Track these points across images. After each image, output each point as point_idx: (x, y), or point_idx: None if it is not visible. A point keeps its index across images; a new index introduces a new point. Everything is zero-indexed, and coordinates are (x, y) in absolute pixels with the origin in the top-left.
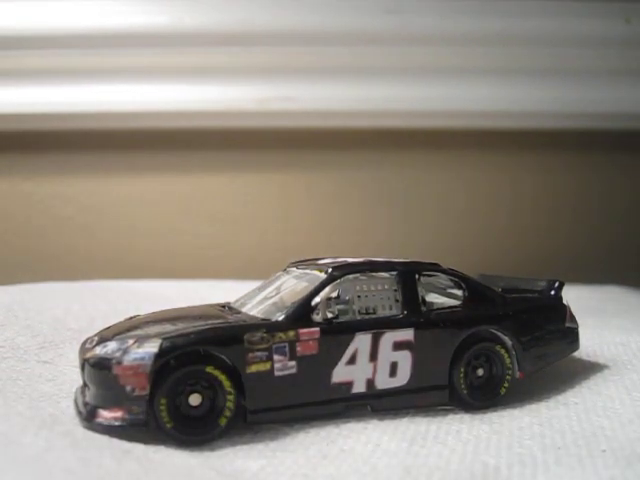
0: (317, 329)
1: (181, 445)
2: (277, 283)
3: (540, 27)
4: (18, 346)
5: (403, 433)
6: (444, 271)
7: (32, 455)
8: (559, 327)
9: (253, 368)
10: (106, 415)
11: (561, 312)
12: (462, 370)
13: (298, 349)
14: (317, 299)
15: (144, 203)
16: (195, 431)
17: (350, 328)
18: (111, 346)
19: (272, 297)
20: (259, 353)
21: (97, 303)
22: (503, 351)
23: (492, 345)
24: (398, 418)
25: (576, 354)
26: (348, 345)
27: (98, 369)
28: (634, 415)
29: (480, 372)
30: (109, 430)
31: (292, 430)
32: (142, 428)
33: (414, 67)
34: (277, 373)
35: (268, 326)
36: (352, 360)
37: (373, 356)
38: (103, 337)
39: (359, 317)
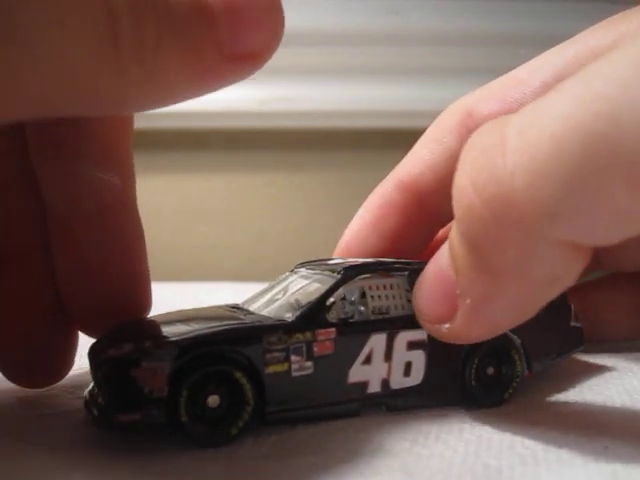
0: (333, 329)
1: (198, 446)
2: (285, 284)
3: (542, 28)
4: None
5: (405, 433)
6: None
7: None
8: (564, 326)
9: (271, 369)
10: (123, 418)
11: (566, 311)
12: (473, 369)
13: (315, 349)
14: (331, 299)
15: (143, 203)
16: (213, 432)
17: (365, 328)
18: (127, 348)
19: (283, 298)
20: (277, 354)
21: None
22: (513, 351)
23: (502, 344)
24: (401, 417)
25: (578, 355)
26: (364, 345)
27: (114, 371)
28: (635, 413)
29: (490, 371)
30: (127, 433)
31: (296, 431)
32: (160, 430)
33: (416, 67)
34: (294, 374)
35: (285, 326)
36: (368, 360)
37: (388, 356)
38: (115, 339)
39: (373, 317)
